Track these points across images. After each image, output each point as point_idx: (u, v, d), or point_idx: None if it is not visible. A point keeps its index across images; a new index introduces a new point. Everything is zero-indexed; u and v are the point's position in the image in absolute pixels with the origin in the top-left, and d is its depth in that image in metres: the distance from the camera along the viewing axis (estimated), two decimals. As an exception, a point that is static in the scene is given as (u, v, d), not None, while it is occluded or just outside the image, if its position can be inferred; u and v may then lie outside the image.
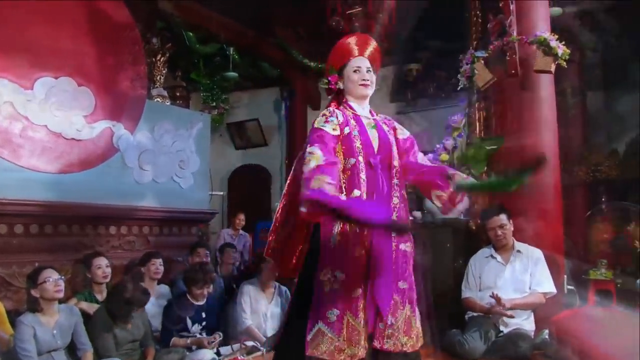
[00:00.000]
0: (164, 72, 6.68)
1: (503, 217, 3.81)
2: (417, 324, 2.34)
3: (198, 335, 3.89)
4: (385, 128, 2.44)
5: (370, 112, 2.48)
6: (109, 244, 4.70)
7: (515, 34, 4.06)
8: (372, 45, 2.51)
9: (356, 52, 2.47)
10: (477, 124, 4.48)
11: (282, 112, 9.77)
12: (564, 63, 4.04)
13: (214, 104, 9.51)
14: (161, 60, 6.62)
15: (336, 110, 2.40)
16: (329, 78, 2.52)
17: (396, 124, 2.52)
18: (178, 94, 9.00)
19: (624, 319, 3.18)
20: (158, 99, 5.91)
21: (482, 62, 4.15)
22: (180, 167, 5.41)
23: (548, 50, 3.97)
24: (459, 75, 4.31)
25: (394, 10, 5.94)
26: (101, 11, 4.71)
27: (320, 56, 8.14)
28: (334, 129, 2.31)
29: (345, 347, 2.15)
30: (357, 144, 2.32)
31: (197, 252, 4.90)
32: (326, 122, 2.33)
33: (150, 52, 6.30)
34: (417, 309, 2.34)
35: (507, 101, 4.23)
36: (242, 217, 6.99)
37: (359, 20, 6.27)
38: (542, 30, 4.08)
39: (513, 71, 4.05)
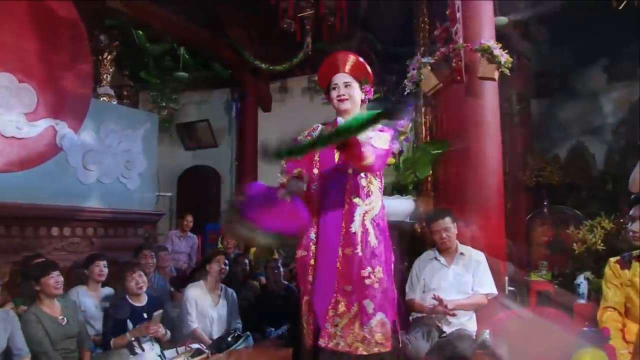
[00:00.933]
0: (111, 70, 6.56)
1: (448, 221, 3.86)
2: (376, 328, 2.44)
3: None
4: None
5: None
6: (51, 246, 4.59)
7: (461, 41, 4.17)
8: (350, 59, 2.67)
9: (334, 70, 2.66)
10: (423, 128, 4.60)
11: (233, 114, 9.76)
12: (507, 71, 4.18)
13: (164, 104, 9.37)
14: (108, 58, 6.50)
15: (320, 126, 2.66)
16: (324, 99, 2.80)
17: (374, 135, 2.54)
18: (126, 93, 8.82)
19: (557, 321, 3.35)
20: (104, 98, 5.81)
21: (429, 67, 4.24)
22: (126, 167, 5.34)
23: (492, 58, 4.09)
24: (406, 81, 4.40)
25: (345, 13, 6.02)
26: (44, 6, 4.60)
27: (271, 58, 8.19)
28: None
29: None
30: (316, 157, 2.62)
31: (142, 254, 4.83)
32: (306, 136, 2.63)
33: (97, 49, 6.18)
34: (379, 315, 2.45)
35: (452, 106, 4.35)
36: (190, 218, 6.92)
37: (310, 23, 6.33)
38: (487, 38, 4.20)
39: (458, 77, 4.17)
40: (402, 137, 4.24)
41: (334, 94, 2.64)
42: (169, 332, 3.92)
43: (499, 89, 4.43)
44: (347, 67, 2.65)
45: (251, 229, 2.36)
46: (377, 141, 2.44)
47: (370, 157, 2.29)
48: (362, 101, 2.70)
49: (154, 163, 5.76)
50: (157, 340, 3.84)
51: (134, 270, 3.89)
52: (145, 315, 3.87)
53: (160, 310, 3.80)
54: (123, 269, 3.94)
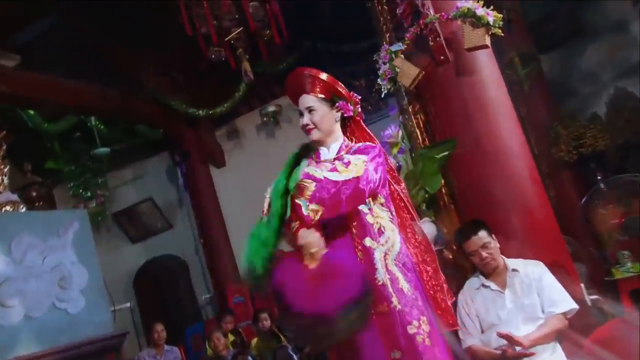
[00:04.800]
0: (5, 170, 6.53)
1: (483, 235, 3.84)
2: None
3: None
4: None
5: (340, 148, 2.73)
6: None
7: (432, 12, 4.23)
8: (306, 78, 2.73)
9: (295, 93, 2.76)
10: (417, 131, 4.61)
11: (180, 182, 9.76)
12: (499, 31, 4.24)
13: (88, 194, 9.37)
14: (-3, 156, 6.49)
15: (303, 161, 2.69)
16: None
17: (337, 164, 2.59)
18: (35, 194, 8.71)
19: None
20: (7, 207, 5.79)
21: (402, 56, 4.30)
22: (61, 287, 5.28)
23: (476, 22, 4.13)
24: (379, 80, 4.44)
25: (282, 20, 6.12)
26: None
27: (207, 100, 8.27)
28: None
29: None
30: None
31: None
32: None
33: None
34: None
35: (445, 94, 4.40)
36: (160, 328, 6.82)
37: (242, 45, 6.41)
38: (463, 0, 4.27)
39: (442, 57, 4.21)
40: (395, 150, 4.28)
41: (300, 122, 2.73)
42: None
43: (496, 55, 4.49)
44: (307, 88, 2.71)
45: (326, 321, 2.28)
46: (343, 172, 2.46)
47: (316, 212, 2.34)
48: (351, 120, 2.78)
49: (97, 272, 5.71)
50: None
51: None
52: None
53: None
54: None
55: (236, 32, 6.31)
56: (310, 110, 2.69)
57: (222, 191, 9.39)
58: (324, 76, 2.73)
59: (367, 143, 2.73)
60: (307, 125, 2.69)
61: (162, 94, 8.23)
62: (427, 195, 4.43)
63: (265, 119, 9.17)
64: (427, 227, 4.27)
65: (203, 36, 6.28)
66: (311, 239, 2.36)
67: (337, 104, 2.73)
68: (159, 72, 8.25)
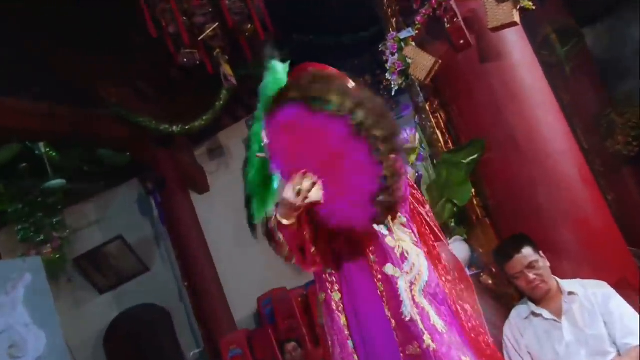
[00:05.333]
0: None
1: (529, 252, 3.82)
2: None
3: None
4: None
5: None
6: None
7: (447, -12, 4.27)
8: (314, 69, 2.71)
9: None
10: (438, 133, 4.61)
11: (155, 214, 9.76)
12: (530, 4, 4.24)
13: (41, 237, 9.31)
14: None
15: None
16: None
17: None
18: (-28, 244, 8.79)
19: None
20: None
21: (413, 44, 4.31)
22: (12, 356, 5.25)
23: (502, -5, 4.17)
24: (387, 74, 4.45)
25: (266, 13, 6.11)
26: None
27: (182, 114, 8.28)
28: None
29: None
30: None
31: None
32: None
33: None
34: None
35: (469, 86, 4.42)
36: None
37: (220, 44, 6.41)
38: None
39: (461, 41, 4.24)
40: (413, 157, 4.27)
41: None
42: None
43: (527, 34, 4.51)
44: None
45: None
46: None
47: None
48: None
49: (58, 333, 5.68)
50: None
51: None
52: None
53: None
54: None
55: (211, 28, 6.28)
56: None
57: (207, 222, 9.37)
58: (330, 69, 2.76)
59: None
60: None
61: (127, 109, 8.22)
62: (455, 209, 4.42)
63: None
64: (459, 248, 4.28)
65: (171, 36, 6.26)
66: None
67: None
68: (121, 83, 8.24)
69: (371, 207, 2.34)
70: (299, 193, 2.31)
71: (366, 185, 2.32)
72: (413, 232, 2.67)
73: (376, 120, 2.31)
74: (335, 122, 2.29)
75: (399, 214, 2.63)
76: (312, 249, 2.53)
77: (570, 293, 3.78)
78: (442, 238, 2.92)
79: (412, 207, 2.79)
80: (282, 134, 2.39)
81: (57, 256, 9.43)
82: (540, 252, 3.84)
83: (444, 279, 2.74)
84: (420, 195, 2.99)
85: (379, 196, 2.32)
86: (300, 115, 2.31)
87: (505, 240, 4.13)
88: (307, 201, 2.32)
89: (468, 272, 4.27)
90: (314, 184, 2.33)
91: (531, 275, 3.77)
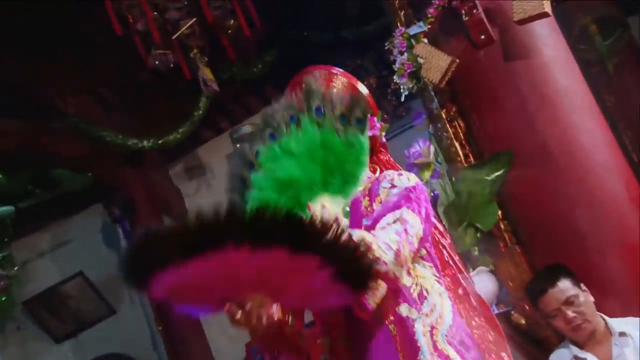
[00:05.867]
0: None
1: (566, 285, 3.86)
2: None
3: None
4: (365, 204, 2.67)
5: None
6: None
7: (464, -26, 4.34)
8: (319, 74, 2.81)
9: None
10: (456, 145, 4.62)
11: (123, 245, 9.71)
12: (564, -8, 4.32)
13: (-16, 277, 9.36)
14: None
15: None
16: None
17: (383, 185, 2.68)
18: None
19: None
20: None
21: (425, 40, 4.37)
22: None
23: (530, -19, 4.23)
24: (395, 77, 4.50)
25: (251, 6, 6.10)
26: None
27: (155, 125, 8.27)
28: None
29: None
30: None
31: None
32: None
33: None
34: None
35: (493, 89, 4.49)
36: None
37: (198, 43, 6.40)
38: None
39: (482, 36, 4.31)
40: (428, 174, 4.31)
41: None
42: None
43: (561, 26, 4.56)
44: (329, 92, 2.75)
45: None
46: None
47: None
48: (372, 141, 2.78)
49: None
50: None
51: None
52: None
53: None
54: None
55: (187, 25, 6.25)
56: None
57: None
58: (344, 77, 2.83)
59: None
60: None
61: (87, 121, 8.18)
62: (479, 235, 4.45)
63: (238, 145, 9.15)
64: (484, 282, 4.29)
65: (140, 35, 6.24)
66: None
67: None
68: (80, 90, 8.20)
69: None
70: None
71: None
72: (436, 266, 2.67)
73: None
74: None
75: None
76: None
77: (621, 334, 3.80)
78: (463, 270, 2.89)
79: (434, 236, 2.78)
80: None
81: (4, 299, 9.43)
82: (582, 286, 3.86)
83: (474, 322, 2.74)
84: (440, 224, 2.99)
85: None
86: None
87: (540, 272, 4.16)
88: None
89: (495, 311, 4.31)
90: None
91: (570, 313, 3.78)
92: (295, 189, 2.52)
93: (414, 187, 2.59)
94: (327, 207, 2.43)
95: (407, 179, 2.63)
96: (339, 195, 2.52)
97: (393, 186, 2.62)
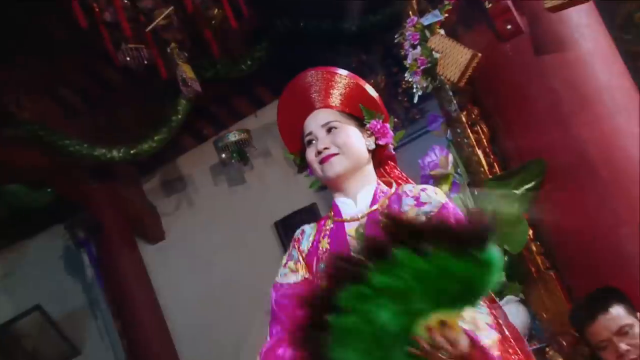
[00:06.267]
0: None
1: (619, 312, 3.85)
2: None
3: None
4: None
5: (375, 196, 2.74)
6: None
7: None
8: (331, 79, 2.80)
9: (303, 110, 2.82)
10: (479, 153, 4.60)
11: (89, 273, 9.70)
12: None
13: None
14: None
15: (306, 229, 2.83)
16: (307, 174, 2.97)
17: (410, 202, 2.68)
18: None
19: None
20: None
21: (442, 32, 4.36)
22: None
23: (564, -39, 4.22)
24: (407, 74, 4.49)
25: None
26: None
27: (126, 132, 8.27)
28: (294, 273, 2.76)
29: None
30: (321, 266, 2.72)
31: None
32: (284, 265, 2.82)
33: None
34: None
35: (521, 88, 4.48)
36: None
37: (177, 36, 6.37)
38: None
39: (509, 26, 4.29)
40: (446, 187, 4.29)
41: (310, 153, 2.75)
42: None
43: (602, 14, 4.57)
44: (320, 97, 2.79)
45: None
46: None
47: None
48: (382, 151, 2.83)
49: None
50: None
51: None
52: None
53: None
54: None
55: (163, 15, 6.20)
56: (329, 128, 2.72)
57: (161, 281, 9.29)
58: (352, 77, 2.82)
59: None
60: (327, 148, 2.69)
61: (47, 128, 8.19)
62: (507, 258, 4.38)
63: (224, 155, 9.08)
64: (513, 312, 4.28)
65: (108, 27, 6.13)
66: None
67: (370, 123, 2.78)
68: (38, 93, 8.22)
69: None
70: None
71: None
72: (493, 315, 2.67)
73: None
74: None
75: None
76: None
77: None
78: (494, 299, 2.87)
79: None
80: None
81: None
82: (638, 315, 3.86)
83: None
84: None
85: None
86: None
87: (589, 295, 4.13)
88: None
89: (528, 347, 4.30)
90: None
91: (623, 346, 3.77)
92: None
93: (447, 205, 2.66)
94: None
95: (435, 192, 2.68)
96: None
97: (420, 203, 2.64)
